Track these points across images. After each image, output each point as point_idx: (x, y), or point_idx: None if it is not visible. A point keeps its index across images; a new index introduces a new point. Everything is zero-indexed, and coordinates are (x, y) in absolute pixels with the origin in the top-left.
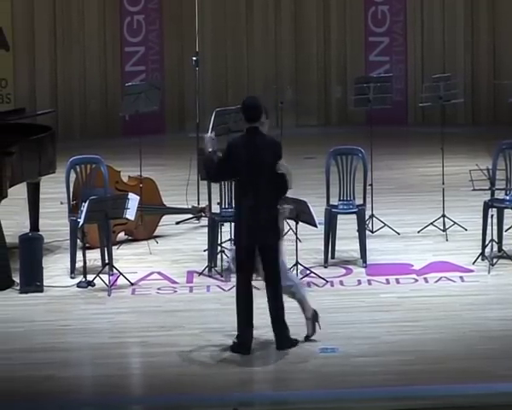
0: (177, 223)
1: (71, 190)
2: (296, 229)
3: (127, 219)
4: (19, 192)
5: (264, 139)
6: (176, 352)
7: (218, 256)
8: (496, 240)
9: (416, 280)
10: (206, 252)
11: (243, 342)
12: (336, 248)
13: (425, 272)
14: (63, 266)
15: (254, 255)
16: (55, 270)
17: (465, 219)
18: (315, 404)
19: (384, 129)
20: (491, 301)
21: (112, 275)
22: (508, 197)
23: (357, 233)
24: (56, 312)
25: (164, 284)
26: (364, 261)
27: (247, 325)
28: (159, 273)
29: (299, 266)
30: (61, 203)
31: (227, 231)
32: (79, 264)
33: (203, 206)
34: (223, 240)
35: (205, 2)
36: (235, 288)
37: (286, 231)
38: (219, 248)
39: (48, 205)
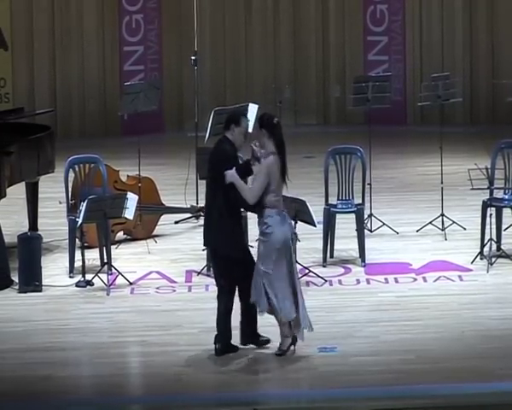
0: (176, 222)
1: (69, 189)
2: (294, 228)
3: (126, 218)
4: (17, 192)
5: (214, 148)
6: (175, 351)
7: None
8: (494, 239)
9: (415, 279)
10: (205, 251)
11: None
12: (335, 247)
13: (424, 271)
14: (62, 266)
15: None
16: (54, 269)
17: (464, 218)
18: (314, 404)
19: (383, 128)
20: (490, 301)
21: (111, 274)
22: (506, 196)
23: (355, 232)
24: (55, 311)
25: (163, 284)
26: (363, 260)
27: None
28: (157, 273)
29: (297, 265)
30: (60, 203)
31: None
32: (78, 263)
33: (202, 205)
34: None
35: (204, 2)
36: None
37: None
38: None
39: (46, 204)
